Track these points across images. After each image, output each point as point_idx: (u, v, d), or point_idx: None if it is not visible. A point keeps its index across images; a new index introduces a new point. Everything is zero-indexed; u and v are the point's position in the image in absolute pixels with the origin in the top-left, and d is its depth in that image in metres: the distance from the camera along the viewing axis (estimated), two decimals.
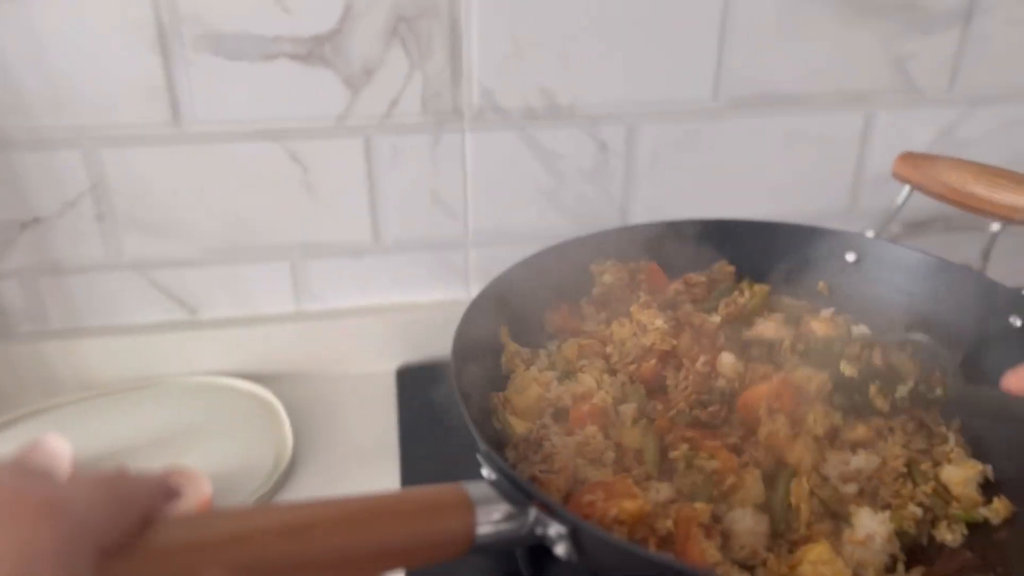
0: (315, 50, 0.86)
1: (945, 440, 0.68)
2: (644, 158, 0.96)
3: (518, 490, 0.51)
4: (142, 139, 0.87)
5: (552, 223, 0.98)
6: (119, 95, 0.85)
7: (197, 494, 0.77)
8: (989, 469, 0.66)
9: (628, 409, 0.68)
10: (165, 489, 0.40)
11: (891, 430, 0.68)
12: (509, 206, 0.97)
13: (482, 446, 0.54)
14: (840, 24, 0.92)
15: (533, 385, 0.70)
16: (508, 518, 0.49)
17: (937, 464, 0.66)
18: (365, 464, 0.87)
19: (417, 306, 0.99)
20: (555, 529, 0.49)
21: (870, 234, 0.83)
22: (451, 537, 0.47)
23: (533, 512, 0.50)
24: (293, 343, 0.99)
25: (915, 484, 0.65)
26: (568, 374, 0.72)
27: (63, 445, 0.39)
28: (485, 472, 0.54)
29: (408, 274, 1.00)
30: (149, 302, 0.96)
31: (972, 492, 0.64)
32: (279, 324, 0.99)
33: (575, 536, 0.49)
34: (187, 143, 0.88)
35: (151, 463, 0.80)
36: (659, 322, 0.74)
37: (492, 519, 0.49)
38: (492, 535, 0.49)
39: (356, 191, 0.94)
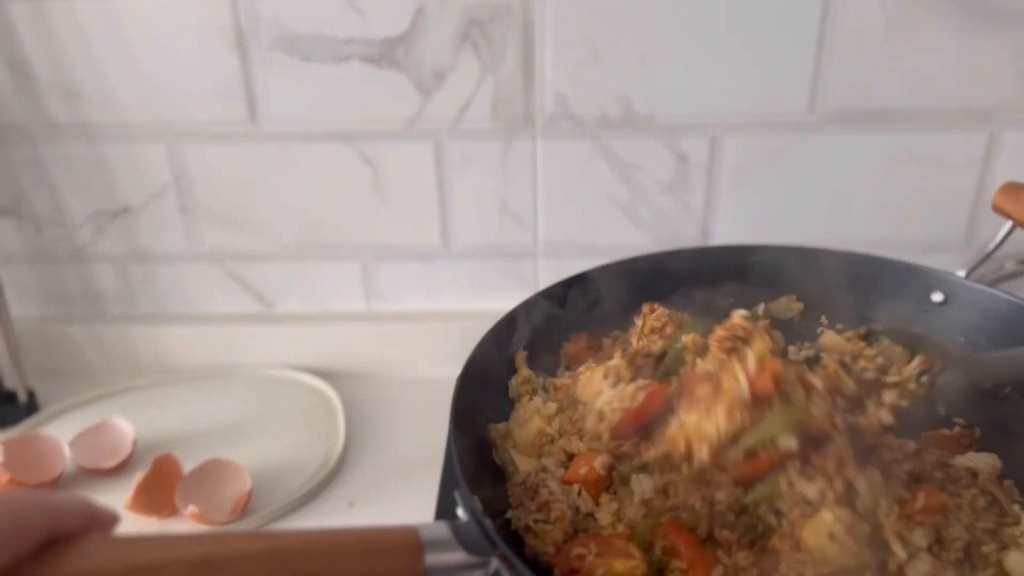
0: (387, 53, 0.86)
1: (1018, 521, 0.59)
2: (728, 173, 0.90)
3: (484, 537, 0.48)
4: (221, 136, 0.90)
5: (627, 238, 0.94)
6: (200, 93, 0.88)
7: (240, 488, 0.79)
8: None
9: (642, 486, 0.60)
10: (80, 514, 0.40)
11: (958, 506, 0.60)
12: (581, 218, 0.93)
13: (461, 484, 0.52)
14: (959, 32, 0.82)
15: (535, 419, 0.66)
16: (464, 566, 0.47)
17: (1003, 548, 0.58)
18: (411, 469, 0.86)
19: (483, 314, 0.97)
20: None
21: (961, 273, 0.73)
22: None
23: (494, 563, 0.47)
24: (360, 342, 1.00)
25: (973, 568, 0.57)
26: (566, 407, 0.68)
27: None
28: (460, 511, 0.51)
29: (476, 281, 0.98)
30: (227, 293, 1.00)
31: None
32: (348, 323, 1.00)
33: None
34: (263, 141, 0.90)
35: (212, 449, 0.83)
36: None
37: (445, 565, 0.46)
38: None
39: (426, 195, 0.93)
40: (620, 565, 0.52)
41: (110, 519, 0.41)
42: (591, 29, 0.84)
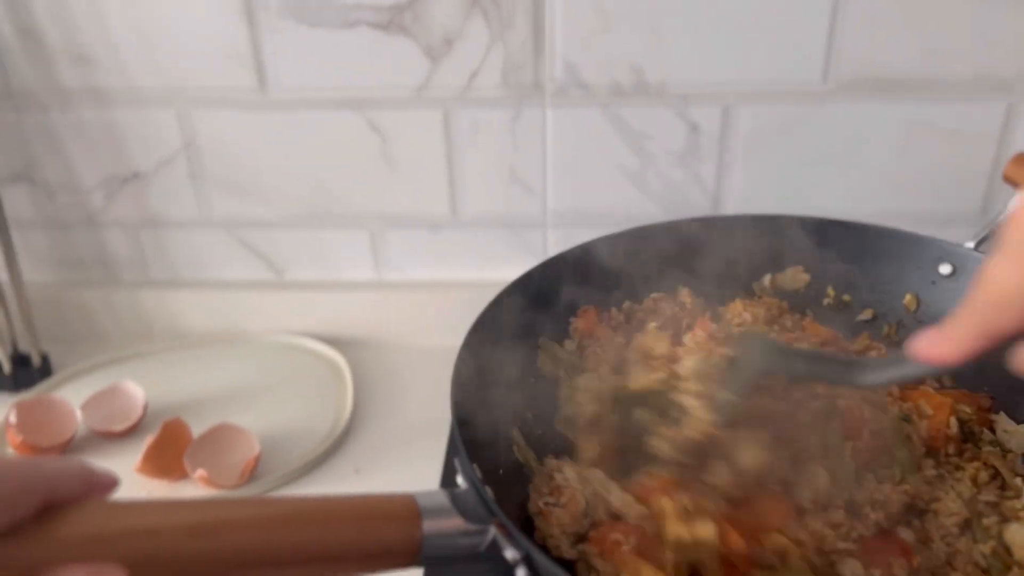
0: (395, 18, 0.85)
1: (1019, 495, 0.59)
2: (740, 143, 0.89)
3: (483, 505, 0.48)
4: (230, 102, 0.90)
5: (637, 207, 0.93)
6: (209, 59, 0.88)
7: (248, 453, 0.80)
8: None
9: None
10: (79, 479, 0.40)
11: (957, 479, 0.59)
12: (591, 187, 0.93)
13: (461, 451, 0.52)
14: (978, 0, 0.80)
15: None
16: (462, 534, 0.47)
17: (1004, 521, 0.57)
18: (417, 437, 0.86)
19: (493, 283, 0.97)
20: (511, 553, 0.47)
21: (969, 244, 0.72)
22: (391, 547, 0.45)
23: (492, 531, 0.48)
24: (369, 310, 1.00)
25: (974, 540, 0.56)
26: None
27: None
28: (459, 479, 0.51)
29: (485, 250, 0.98)
30: (237, 260, 1.00)
31: None
32: (357, 291, 1.00)
33: (530, 563, 0.46)
34: (272, 108, 0.90)
35: (221, 414, 0.84)
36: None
37: (443, 532, 0.46)
38: (442, 548, 0.46)
39: (434, 164, 0.93)
40: (647, 573, 0.52)
41: (108, 483, 0.42)
42: None
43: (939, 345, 0.43)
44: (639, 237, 0.79)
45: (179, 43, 0.87)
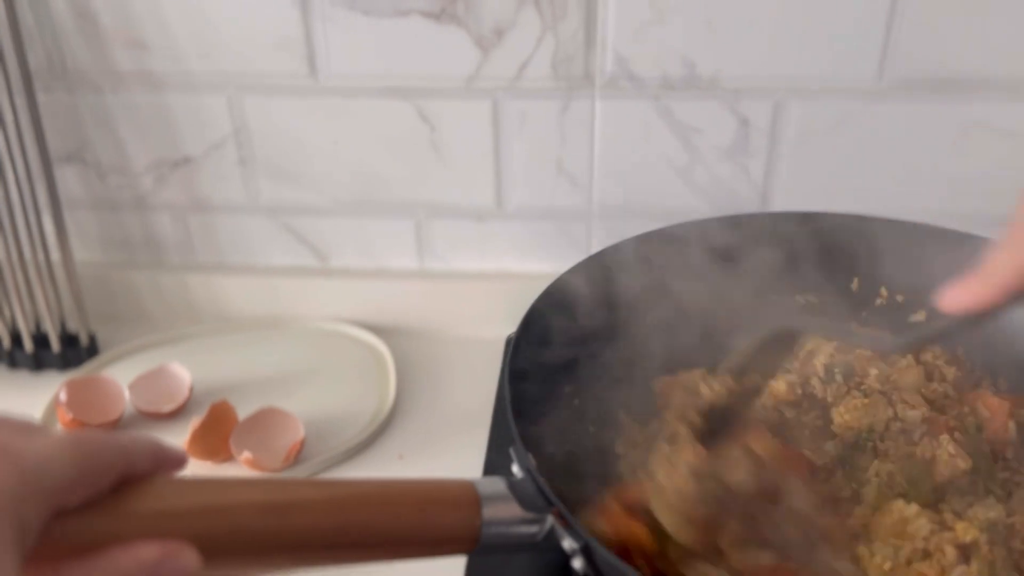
0: (447, 7, 0.85)
1: None
2: (791, 139, 0.88)
3: (540, 494, 0.48)
4: (281, 89, 0.91)
5: (684, 202, 0.93)
6: (261, 45, 0.88)
7: (293, 437, 0.81)
8: None
9: None
10: (151, 455, 0.41)
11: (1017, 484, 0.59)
12: (638, 180, 0.92)
13: (517, 440, 0.52)
14: None
15: None
16: (521, 522, 0.47)
17: None
18: (460, 426, 0.86)
19: (536, 276, 0.96)
20: (568, 543, 0.47)
21: None
22: (451, 533, 0.45)
23: (550, 520, 0.48)
24: (413, 299, 1.01)
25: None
26: None
27: None
28: (515, 468, 0.52)
29: (529, 243, 0.98)
30: (283, 246, 1.01)
31: None
32: (402, 280, 1.01)
33: (588, 554, 0.46)
34: (322, 95, 0.91)
35: (266, 397, 0.85)
36: None
37: (502, 519, 0.47)
38: (501, 536, 0.46)
39: (482, 154, 0.93)
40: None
41: (179, 459, 0.42)
42: None
43: (965, 293, 0.48)
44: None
45: (231, 29, 0.88)
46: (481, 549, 0.46)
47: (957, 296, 0.48)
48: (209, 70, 0.90)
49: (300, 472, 0.79)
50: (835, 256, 0.78)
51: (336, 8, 0.86)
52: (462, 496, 0.46)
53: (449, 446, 0.85)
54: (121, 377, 0.88)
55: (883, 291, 0.78)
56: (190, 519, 0.39)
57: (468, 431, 0.85)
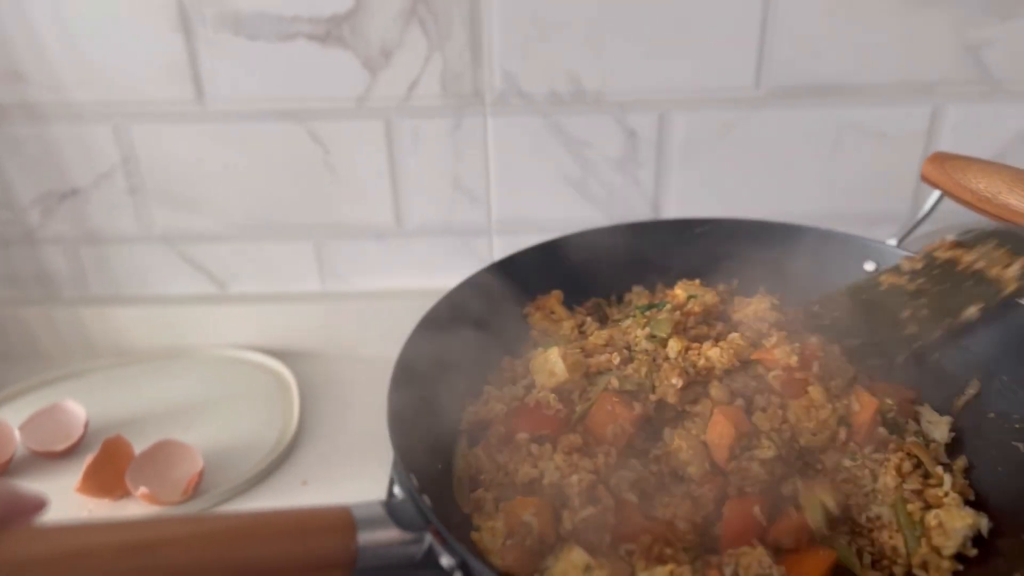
0: (333, 30, 0.85)
1: (941, 483, 0.61)
2: (677, 149, 0.91)
3: (420, 514, 0.49)
4: (168, 116, 0.89)
5: (579, 213, 0.94)
6: (145, 72, 0.87)
7: (191, 468, 0.79)
8: (985, 521, 0.58)
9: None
10: (4, 502, 0.40)
11: (883, 466, 0.61)
12: (534, 194, 0.94)
13: (397, 461, 0.53)
14: (903, 6, 0.82)
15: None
16: (400, 543, 0.47)
17: (927, 508, 0.59)
18: (365, 448, 0.85)
19: (438, 291, 0.97)
20: (447, 560, 0.47)
21: (892, 242, 0.75)
22: (328, 560, 0.45)
23: (428, 539, 0.48)
24: (315, 322, 1.00)
25: (899, 528, 0.58)
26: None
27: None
28: (396, 489, 0.52)
29: (431, 259, 0.98)
30: (179, 274, 0.99)
31: (957, 544, 0.57)
32: (302, 303, 1.00)
33: (465, 569, 0.47)
34: (210, 121, 0.90)
35: (166, 430, 0.84)
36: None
37: (379, 542, 0.47)
38: (379, 558, 0.46)
39: (377, 174, 0.93)
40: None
41: (35, 505, 0.41)
42: (538, 5, 0.83)
43: None
44: (574, 246, 0.81)
45: (114, 57, 0.86)
46: (359, 572, 0.46)
47: None
48: (92, 99, 0.88)
49: (200, 504, 0.78)
50: (717, 258, 0.80)
51: (220, 33, 0.85)
52: (337, 522, 0.46)
53: (354, 470, 0.84)
54: (12, 418, 0.85)
55: (761, 289, 0.81)
56: (48, 567, 0.38)
57: (374, 453, 0.85)
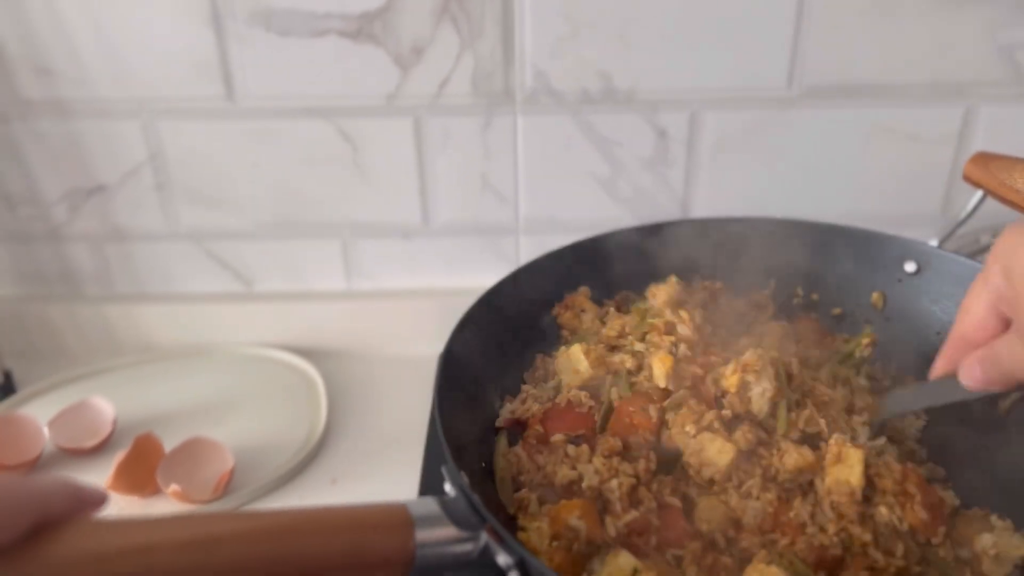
0: (364, 27, 0.85)
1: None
2: (707, 148, 0.90)
3: (473, 511, 0.48)
4: (197, 112, 0.89)
5: (608, 213, 0.94)
6: (175, 68, 0.87)
7: (222, 466, 0.79)
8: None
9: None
10: (68, 497, 0.40)
11: None
12: (562, 193, 0.93)
13: (448, 459, 0.52)
14: (936, 7, 0.82)
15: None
16: (455, 541, 0.47)
17: None
18: (393, 446, 0.86)
19: (465, 291, 0.97)
20: (503, 558, 0.47)
21: (933, 242, 0.74)
22: (385, 557, 0.45)
23: (484, 537, 0.48)
24: (341, 320, 1.00)
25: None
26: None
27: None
28: (447, 487, 0.51)
29: (457, 258, 0.98)
30: (205, 272, 0.99)
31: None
32: (330, 301, 1.00)
33: (523, 568, 0.46)
34: (240, 118, 0.89)
35: (194, 428, 0.83)
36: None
37: (436, 540, 0.46)
38: (436, 556, 0.46)
39: (406, 172, 0.93)
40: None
41: (98, 499, 0.41)
42: (570, 4, 0.83)
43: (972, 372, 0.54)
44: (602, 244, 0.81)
45: (144, 53, 0.86)
46: (417, 571, 0.46)
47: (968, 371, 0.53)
48: (121, 96, 0.88)
49: (230, 502, 0.77)
50: (752, 258, 0.80)
51: (252, 29, 0.85)
52: (394, 519, 0.46)
53: (383, 468, 0.84)
54: (40, 414, 0.85)
55: (798, 290, 0.80)
56: (111, 561, 0.38)
57: (402, 451, 0.85)
